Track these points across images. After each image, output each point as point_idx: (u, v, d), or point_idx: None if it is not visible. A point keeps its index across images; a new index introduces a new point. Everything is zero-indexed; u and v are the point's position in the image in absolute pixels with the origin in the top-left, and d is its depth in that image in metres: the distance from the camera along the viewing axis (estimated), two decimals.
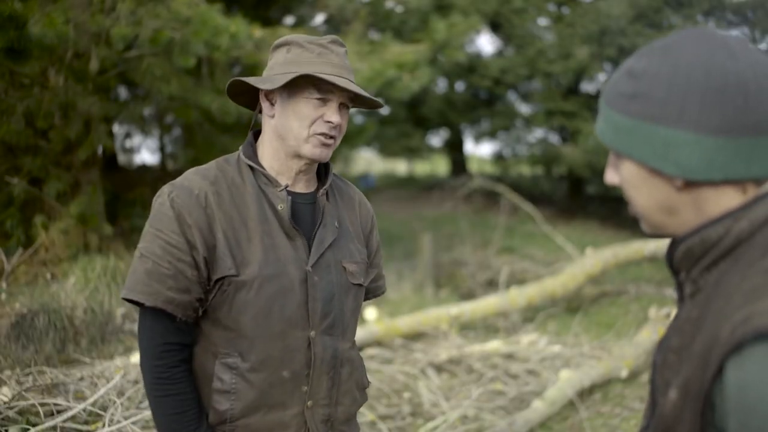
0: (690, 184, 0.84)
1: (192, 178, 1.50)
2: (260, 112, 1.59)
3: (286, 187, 1.52)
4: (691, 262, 0.87)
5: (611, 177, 0.95)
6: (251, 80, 1.52)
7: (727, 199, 0.84)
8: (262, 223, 1.49)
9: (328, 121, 1.49)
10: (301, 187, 1.57)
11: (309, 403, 1.52)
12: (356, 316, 1.62)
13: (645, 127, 0.84)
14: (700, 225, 0.85)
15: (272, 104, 1.53)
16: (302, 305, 1.49)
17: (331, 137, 1.51)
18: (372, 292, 1.75)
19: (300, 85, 1.48)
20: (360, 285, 1.61)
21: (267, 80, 1.50)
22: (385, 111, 15.42)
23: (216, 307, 1.47)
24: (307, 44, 1.50)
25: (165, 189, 1.49)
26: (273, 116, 1.53)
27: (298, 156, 1.52)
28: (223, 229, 1.45)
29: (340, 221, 1.61)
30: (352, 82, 1.51)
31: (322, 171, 1.65)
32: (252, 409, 1.48)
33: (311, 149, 1.50)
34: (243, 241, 1.47)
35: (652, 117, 0.84)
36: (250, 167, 1.53)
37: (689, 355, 0.81)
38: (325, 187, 1.58)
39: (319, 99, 1.48)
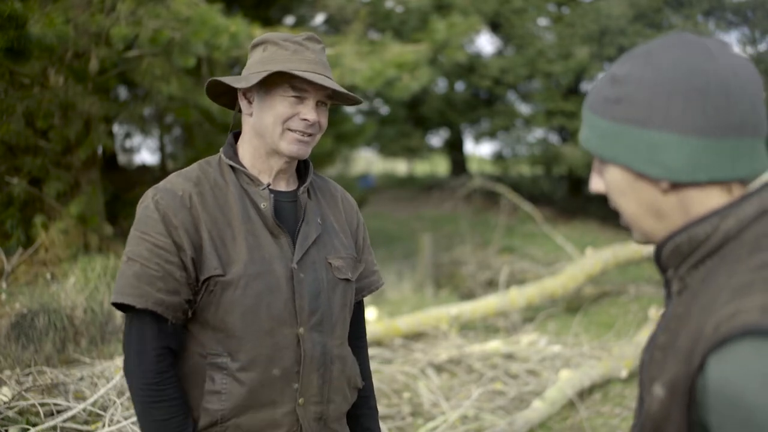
0: (676, 186, 0.85)
1: (175, 180, 1.50)
2: (240, 111, 1.59)
3: (268, 185, 1.52)
4: (678, 259, 0.88)
5: (596, 185, 0.95)
6: (227, 80, 1.53)
7: (713, 200, 0.85)
8: (245, 223, 1.49)
9: (304, 119, 1.48)
10: (282, 186, 1.58)
11: (300, 400, 1.51)
12: (345, 313, 1.60)
13: (630, 131, 0.86)
14: (688, 223, 0.86)
15: (250, 103, 1.54)
16: (289, 302, 1.49)
17: (309, 135, 1.51)
18: (367, 288, 1.73)
19: (276, 83, 1.48)
20: (347, 280, 1.60)
21: (243, 79, 1.51)
22: (385, 111, 15.41)
23: (204, 308, 1.47)
24: (283, 42, 1.50)
25: (149, 193, 1.49)
26: (251, 115, 1.54)
27: (277, 153, 1.52)
28: (208, 229, 1.46)
29: (323, 218, 1.61)
30: (329, 78, 1.51)
31: (302, 169, 1.64)
32: (243, 409, 1.47)
33: (288, 146, 1.50)
34: (228, 240, 1.47)
35: (637, 120, 0.85)
36: (232, 167, 1.54)
37: (674, 351, 0.82)
38: (305, 185, 1.58)
39: (295, 97, 1.48)
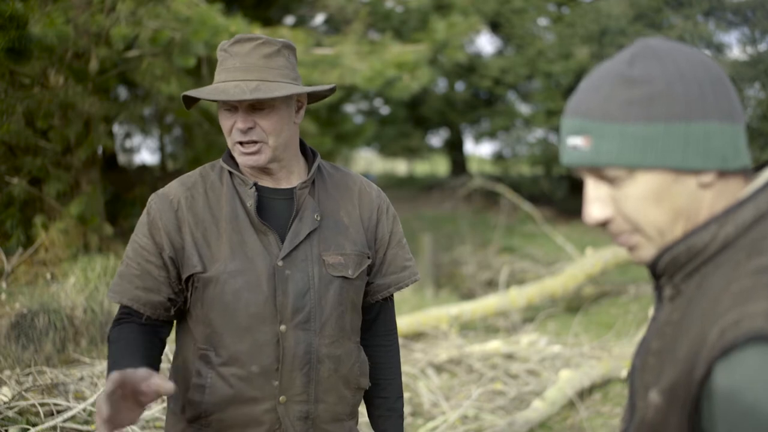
0: (721, 175, 0.83)
1: (171, 185, 1.58)
2: None
3: (255, 184, 1.53)
4: (675, 269, 0.85)
5: (601, 211, 0.86)
6: (191, 93, 1.52)
7: (741, 190, 0.85)
8: (232, 222, 1.52)
9: (238, 128, 1.46)
10: (283, 183, 1.58)
11: (281, 398, 1.51)
12: (341, 311, 1.56)
13: (674, 128, 0.81)
14: (687, 233, 0.84)
15: None
16: (270, 300, 1.49)
17: (252, 142, 1.47)
18: (395, 284, 1.68)
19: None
20: (344, 277, 1.55)
21: (191, 98, 1.52)
22: (385, 111, 15.41)
23: (193, 304, 1.53)
24: (219, 51, 1.52)
25: (150, 197, 1.57)
26: None
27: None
28: (191, 231, 1.51)
29: (325, 214, 1.58)
30: (252, 80, 1.43)
31: (311, 164, 1.62)
32: (224, 404, 1.50)
33: (240, 158, 1.51)
34: (212, 239, 1.51)
35: (678, 115, 0.80)
36: (229, 170, 1.56)
37: (672, 358, 0.80)
38: (304, 181, 1.55)
39: (227, 109, 1.48)
